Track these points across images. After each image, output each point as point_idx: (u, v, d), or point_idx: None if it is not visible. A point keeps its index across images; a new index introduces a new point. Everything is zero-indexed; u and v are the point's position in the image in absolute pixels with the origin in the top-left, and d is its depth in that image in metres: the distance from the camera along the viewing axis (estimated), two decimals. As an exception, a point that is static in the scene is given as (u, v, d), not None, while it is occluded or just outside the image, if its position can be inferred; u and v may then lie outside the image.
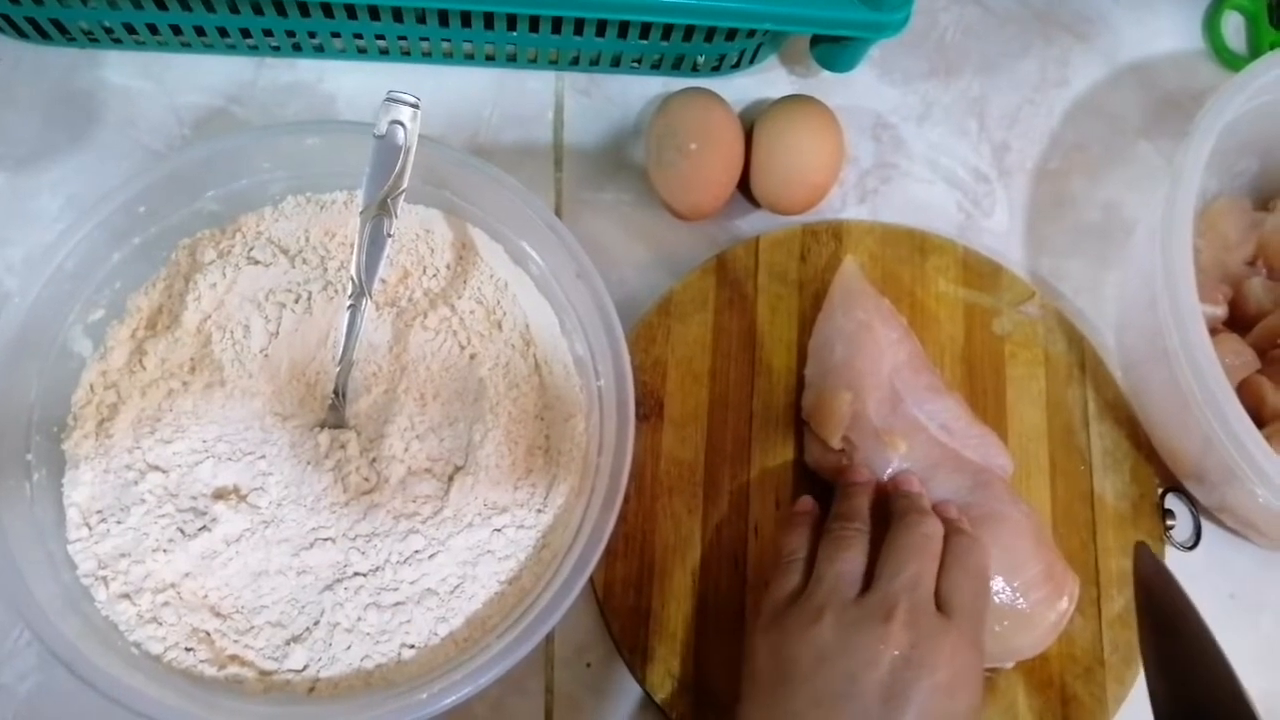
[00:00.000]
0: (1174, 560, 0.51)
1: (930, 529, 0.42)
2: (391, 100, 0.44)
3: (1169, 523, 0.51)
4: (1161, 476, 0.52)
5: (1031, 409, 0.52)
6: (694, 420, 0.50)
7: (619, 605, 0.47)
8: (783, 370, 0.52)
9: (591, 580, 0.47)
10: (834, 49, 0.54)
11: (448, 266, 0.49)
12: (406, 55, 0.55)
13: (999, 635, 0.45)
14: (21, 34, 0.53)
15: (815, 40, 0.54)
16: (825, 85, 0.58)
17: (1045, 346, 0.53)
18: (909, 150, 0.58)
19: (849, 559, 0.42)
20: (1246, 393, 0.48)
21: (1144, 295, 0.49)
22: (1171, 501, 0.52)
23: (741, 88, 0.57)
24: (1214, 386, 0.43)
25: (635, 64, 0.56)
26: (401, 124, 0.44)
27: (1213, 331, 0.49)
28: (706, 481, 0.50)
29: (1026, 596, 0.45)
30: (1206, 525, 0.52)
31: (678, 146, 0.51)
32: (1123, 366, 0.53)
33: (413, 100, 0.44)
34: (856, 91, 0.58)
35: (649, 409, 0.50)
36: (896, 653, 0.39)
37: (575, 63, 0.56)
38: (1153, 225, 0.47)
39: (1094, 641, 0.49)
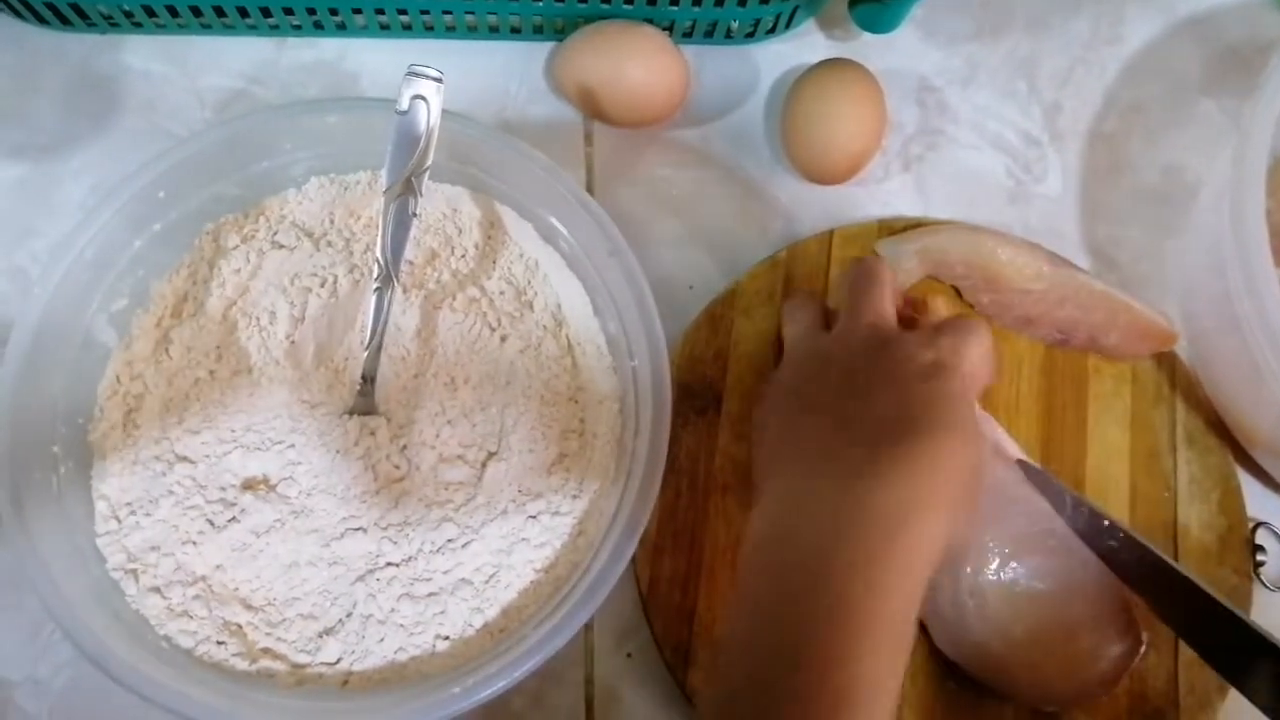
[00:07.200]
0: (1264, 600, 0.47)
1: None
2: (413, 74, 0.42)
3: (1259, 558, 0.47)
4: (1253, 509, 0.48)
5: (1114, 428, 0.48)
6: (751, 418, 0.48)
7: (663, 603, 0.45)
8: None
9: (636, 574, 0.45)
10: (874, 9, 0.51)
11: (476, 246, 0.48)
12: (430, 30, 0.54)
13: (1038, 667, 0.42)
14: (41, 20, 0.52)
15: (854, 0, 0.52)
16: (865, 48, 0.55)
17: (1133, 362, 0.50)
18: (955, 114, 0.55)
19: (805, 311, 0.46)
20: (1325, 362, 0.45)
21: (1211, 261, 0.46)
22: (1263, 536, 0.48)
23: (778, 54, 0.55)
24: (1291, 356, 0.40)
25: (666, 33, 0.54)
26: (424, 99, 0.42)
27: (1286, 297, 0.46)
28: (763, 482, 0.47)
29: (1075, 637, 0.42)
30: (1300, 564, 0.48)
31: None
32: (1188, 337, 0.51)
33: (435, 74, 0.42)
34: (898, 54, 0.56)
35: (706, 402, 0.48)
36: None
37: (604, 33, 0.54)
38: (1219, 187, 0.44)
39: (1168, 682, 0.45)
